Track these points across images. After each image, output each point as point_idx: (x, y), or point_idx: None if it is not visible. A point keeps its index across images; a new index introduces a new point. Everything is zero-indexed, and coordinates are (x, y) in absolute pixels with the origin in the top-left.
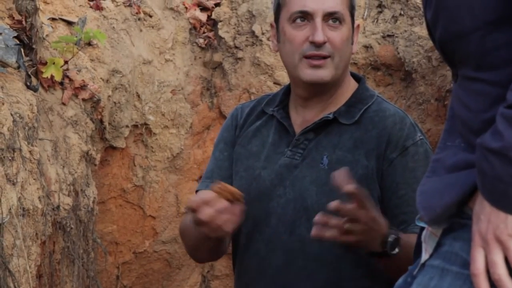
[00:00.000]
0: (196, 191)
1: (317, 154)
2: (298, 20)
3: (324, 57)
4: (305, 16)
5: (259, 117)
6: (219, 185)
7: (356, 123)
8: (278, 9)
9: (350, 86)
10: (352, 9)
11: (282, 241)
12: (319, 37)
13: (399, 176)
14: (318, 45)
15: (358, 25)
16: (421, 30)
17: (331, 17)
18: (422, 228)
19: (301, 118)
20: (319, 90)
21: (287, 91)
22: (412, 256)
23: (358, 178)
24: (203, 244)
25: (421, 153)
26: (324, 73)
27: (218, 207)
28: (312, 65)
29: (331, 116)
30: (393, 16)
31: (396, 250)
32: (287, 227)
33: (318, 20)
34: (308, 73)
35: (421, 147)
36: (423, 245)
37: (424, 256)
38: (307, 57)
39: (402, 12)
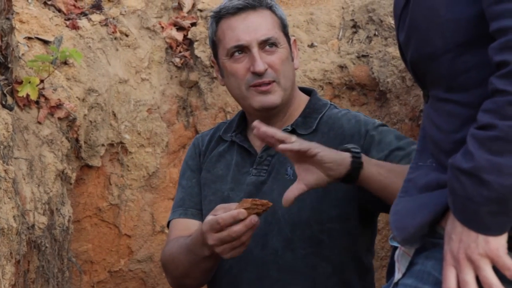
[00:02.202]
0: (168, 222)
1: (281, 167)
2: (236, 54)
3: (270, 82)
4: (242, 49)
5: (219, 143)
6: (250, 200)
7: (313, 131)
8: (214, 46)
9: (302, 100)
10: (284, 28)
11: (254, 256)
12: (259, 66)
13: (373, 151)
14: (260, 74)
15: (295, 40)
16: (395, 50)
17: (266, 43)
18: (395, 248)
19: (259, 140)
20: (272, 114)
21: (242, 116)
22: (395, 176)
23: None
24: (198, 266)
25: (384, 129)
26: (274, 98)
27: (249, 223)
28: (260, 92)
29: (289, 128)
30: (367, 37)
31: (361, 159)
32: (259, 241)
33: (255, 50)
34: (258, 100)
35: (382, 126)
36: (396, 265)
37: (397, 275)
38: (253, 85)
39: (376, 33)
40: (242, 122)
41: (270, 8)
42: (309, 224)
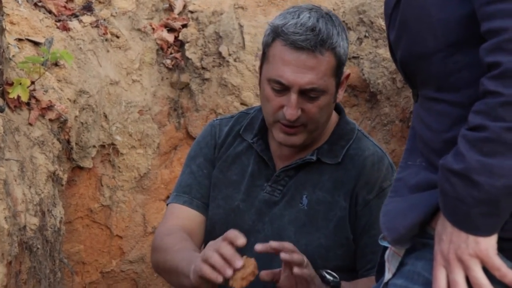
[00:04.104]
0: (167, 204)
1: (296, 193)
2: (276, 86)
3: (297, 126)
4: (282, 85)
5: (237, 140)
6: None
7: (339, 163)
8: (263, 56)
9: (332, 121)
10: (339, 69)
11: (257, 278)
12: (292, 116)
13: (374, 217)
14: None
15: (348, 75)
16: (386, 52)
17: (308, 92)
18: (385, 248)
19: (280, 151)
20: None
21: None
22: None
23: (337, 220)
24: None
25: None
26: (296, 139)
27: None
28: (284, 131)
29: (314, 158)
30: (358, 38)
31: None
32: (263, 263)
33: (294, 97)
34: (281, 137)
35: None
36: (386, 265)
37: (387, 275)
38: (280, 122)
39: (367, 34)
40: (265, 124)
41: (333, 49)
42: (313, 259)
